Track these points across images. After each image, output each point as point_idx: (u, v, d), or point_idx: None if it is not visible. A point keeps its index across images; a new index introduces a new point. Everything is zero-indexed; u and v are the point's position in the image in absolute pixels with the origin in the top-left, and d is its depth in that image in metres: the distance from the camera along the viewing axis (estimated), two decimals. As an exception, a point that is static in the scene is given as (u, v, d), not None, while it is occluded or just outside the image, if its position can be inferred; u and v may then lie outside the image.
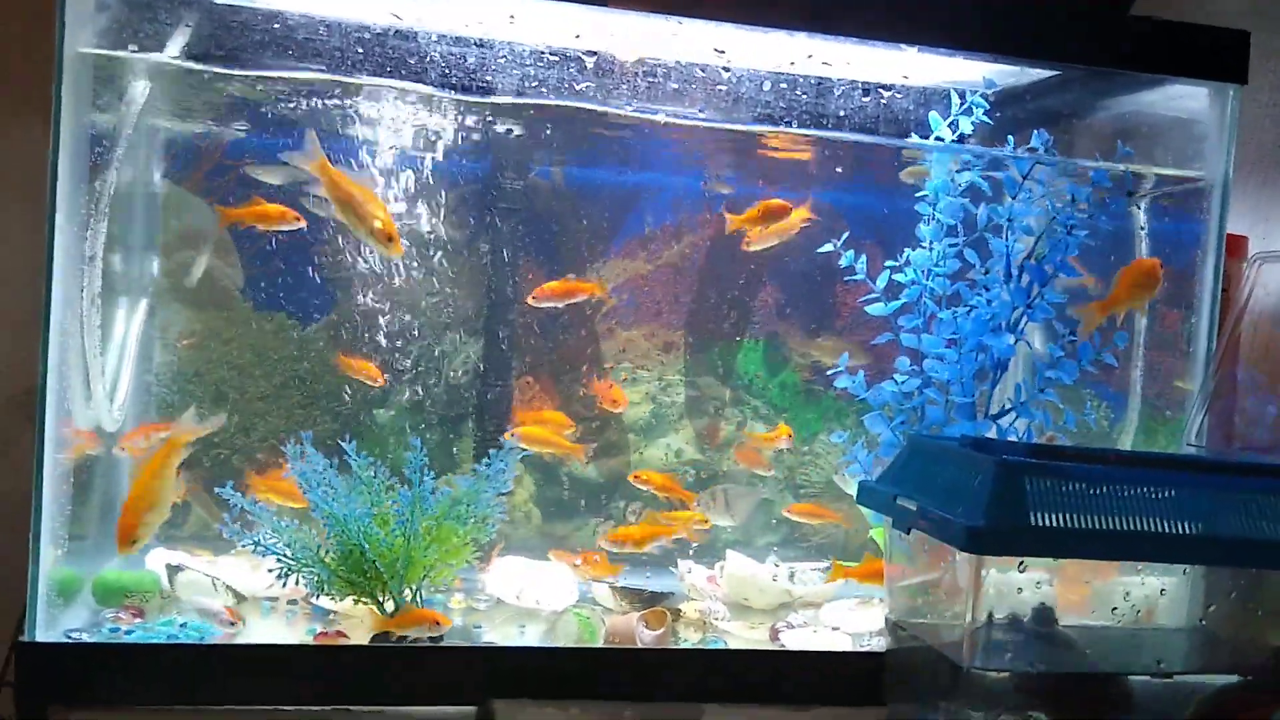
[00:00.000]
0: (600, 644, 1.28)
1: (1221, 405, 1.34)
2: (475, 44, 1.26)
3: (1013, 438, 1.40)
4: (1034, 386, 1.37)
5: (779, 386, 1.69)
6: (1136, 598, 1.28)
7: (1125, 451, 1.30)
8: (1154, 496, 1.06)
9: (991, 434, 1.39)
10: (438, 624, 1.21)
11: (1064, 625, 1.24)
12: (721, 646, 1.31)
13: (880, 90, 1.30)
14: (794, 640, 1.34)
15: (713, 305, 1.66)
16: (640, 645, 1.27)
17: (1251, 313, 1.31)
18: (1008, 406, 1.39)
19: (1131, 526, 1.04)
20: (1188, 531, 1.05)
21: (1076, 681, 1.11)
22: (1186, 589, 1.29)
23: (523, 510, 1.59)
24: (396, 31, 1.24)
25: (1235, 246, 1.42)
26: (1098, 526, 1.04)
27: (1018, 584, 1.16)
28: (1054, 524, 1.03)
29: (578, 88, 1.30)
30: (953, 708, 1.08)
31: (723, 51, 1.26)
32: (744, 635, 1.40)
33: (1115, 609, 1.28)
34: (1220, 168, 1.35)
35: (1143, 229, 1.46)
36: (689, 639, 1.37)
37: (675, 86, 1.33)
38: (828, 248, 1.39)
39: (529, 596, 1.42)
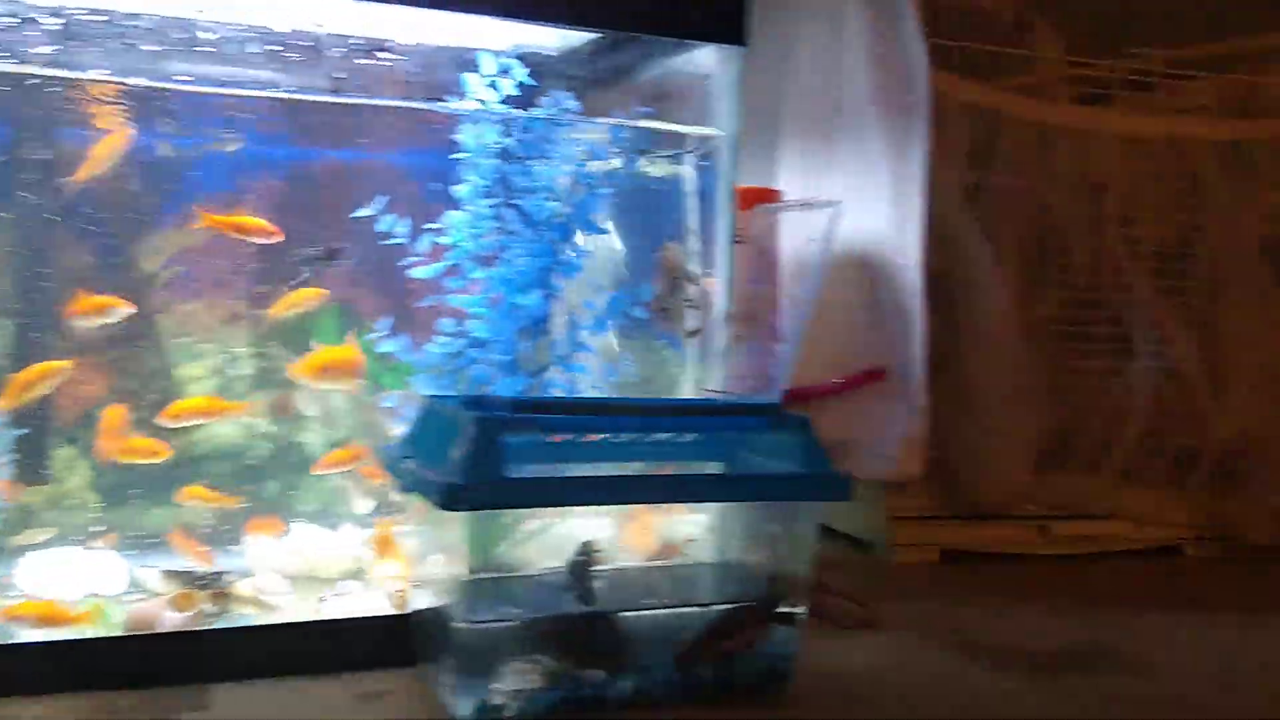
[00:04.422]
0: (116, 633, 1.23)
1: (737, 351, 1.43)
2: None
3: (559, 392, 1.44)
4: (573, 341, 1.42)
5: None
6: (692, 537, 1.35)
7: (611, 400, 1.36)
8: (628, 442, 1.12)
9: (536, 390, 1.42)
10: None
11: (619, 568, 1.29)
12: (249, 623, 1.28)
13: (383, 51, 1.29)
14: (339, 607, 1.33)
15: (282, 273, 1.62)
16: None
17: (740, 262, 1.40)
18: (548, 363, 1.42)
19: (608, 472, 1.09)
20: (663, 472, 1.12)
21: (575, 623, 1.15)
22: (717, 526, 1.38)
23: (77, 499, 1.51)
24: None
25: (753, 198, 1.50)
26: (576, 474, 1.08)
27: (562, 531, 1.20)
28: (530, 475, 1.06)
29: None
30: (451, 661, 1.10)
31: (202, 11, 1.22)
32: (303, 608, 1.38)
33: (680, 550, 1.35)
34: (730, 125, 1.42)
35: (681, 186, 1.52)
36: (247, 617, 1.34)
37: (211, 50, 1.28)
38: (364, 212, 1.38)
39: (72, 589, 1.35)
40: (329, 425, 1.64)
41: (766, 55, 1.99)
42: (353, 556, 1.48)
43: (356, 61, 1.30)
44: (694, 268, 1.41)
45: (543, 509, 1.21)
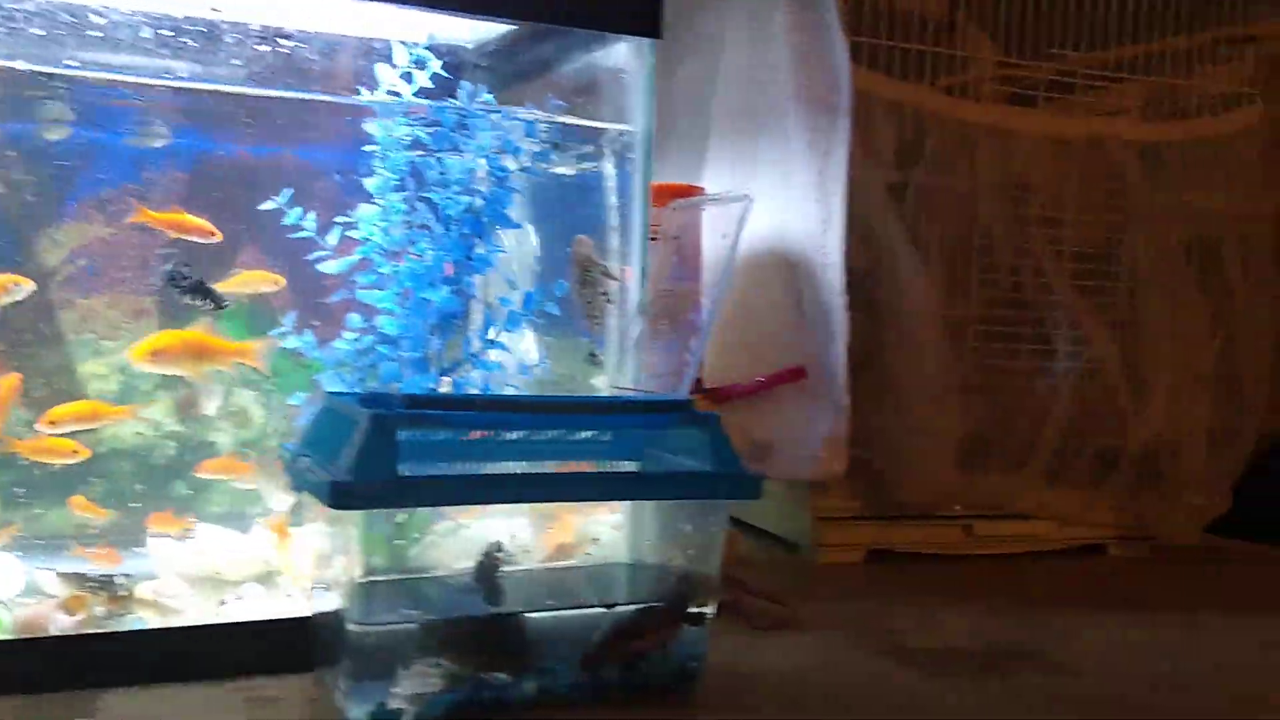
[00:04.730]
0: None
1: (656, 347, 1.41)
2: None
3: (473, 390, 1.41)
4: (486, 338, 1.39)
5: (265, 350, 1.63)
6: (599, 536, 1.33)
7: (517, 397, 1.33)
8: (534, 440, 1.10)
9: (447, 387, 1.39)
10: None
11: (528, 569, 1.27)
12: (142, 627, 1.25)
13: (280, 39, 1.26)
14: (240, 610, 1.30)
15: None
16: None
17: (659, 258, 1.38)
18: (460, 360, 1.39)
19: (506, 469, 1.07)
20: (560, 470, 1.10)
21: (477, 624, 1.12)
22: (629, 526, 1.36)
23: (-27, 500, 1.46)
24: None
25: (669, 194, 1.49)
26: (472, 472, 1.06)
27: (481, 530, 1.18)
28: (425, 474, 1.04)
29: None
30: (346, 665, 1.07)
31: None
32: (203, 611, 1.34)
33: (583, 550, 1.32)
34: (644, 119, 1.40)
35: (597, 180, 1.51)
36: (143, 620, 1.30)
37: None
38: (269, 205, 1.35)
39: (-37, 592, 1.30)
40: (241, 425, 1.60)
41: (697, 53, 1.98)
42: (262, 559, 1.45)
43: (259, 50, 1.27)
44: (608, 261, 1.38)
45: (448, 509, 1.18)
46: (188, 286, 1.34)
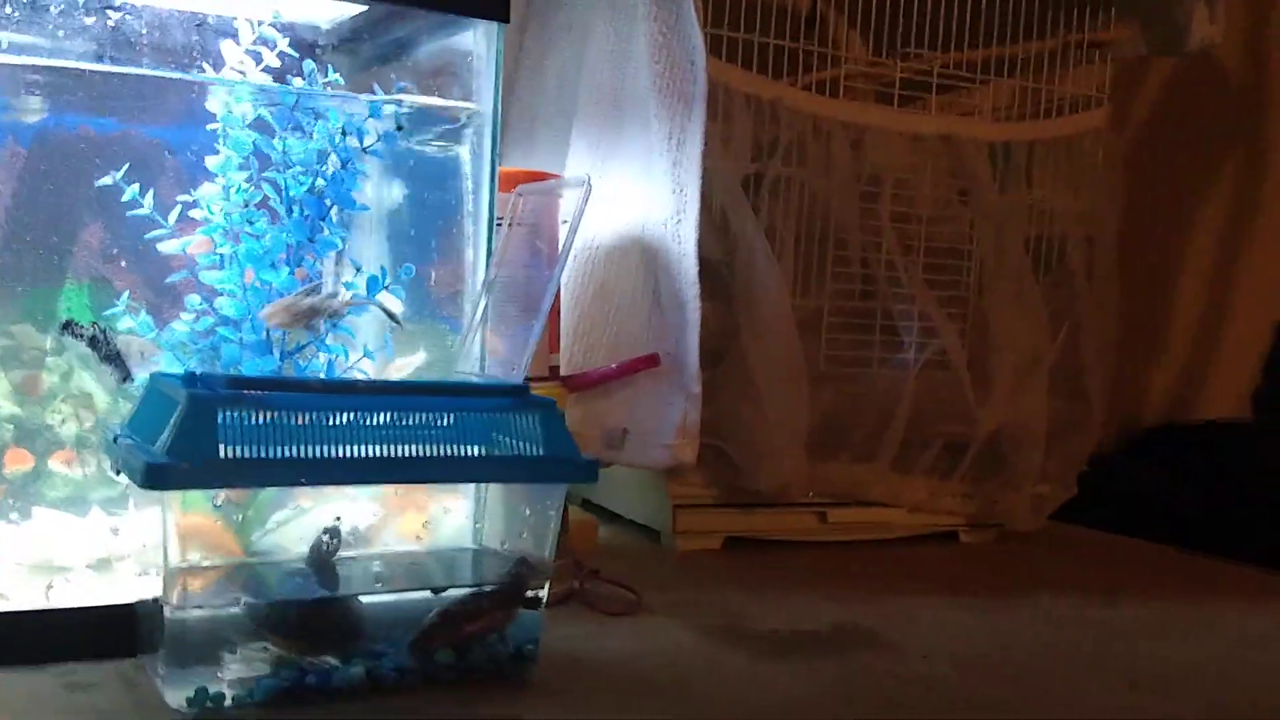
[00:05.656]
0: None
1: (507, 334, 1.41)
2: None
3: (320, 374, 1.40)
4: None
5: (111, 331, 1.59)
6: (431, 520, 1.32)
7: (353, 381, 1.33)
8: (357, 422, 1.09)
9: (289, 370, 1.38)
10: None
11: (366, 553, 1.26)
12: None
13: (109, 11, 1.23)
14: (69, 596, 1.27)
15: (26, 245, 1.53)
16: None
17: (511, 244, 1.38)
18: (304, 343, 1.38)
19: (329, 453, 1.06)
20: (385, 454, 1.09)
21: (302, 608, 1.11)
22: (470, 510, 1.36)
23: None
24: None
25: (516, 181, 1.49)
26: (296, 454, 1.05)
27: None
28: (247, 455, 1.02)
29: None
30: (164, 650, 1.05)
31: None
32: (32, 596, 1.31)
33: (419, 536, 1.32)
34: (489, 102, 1.41)
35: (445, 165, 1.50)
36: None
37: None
38: (106, 181, 1.32)
39: None
40: (83, 407, 1.56)
41: (567, 40, 1.99)
42: (101, 544, 1.41)
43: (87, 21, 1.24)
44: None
45: (291, 494, 1.17)
46: (104, 354, 1.31)
